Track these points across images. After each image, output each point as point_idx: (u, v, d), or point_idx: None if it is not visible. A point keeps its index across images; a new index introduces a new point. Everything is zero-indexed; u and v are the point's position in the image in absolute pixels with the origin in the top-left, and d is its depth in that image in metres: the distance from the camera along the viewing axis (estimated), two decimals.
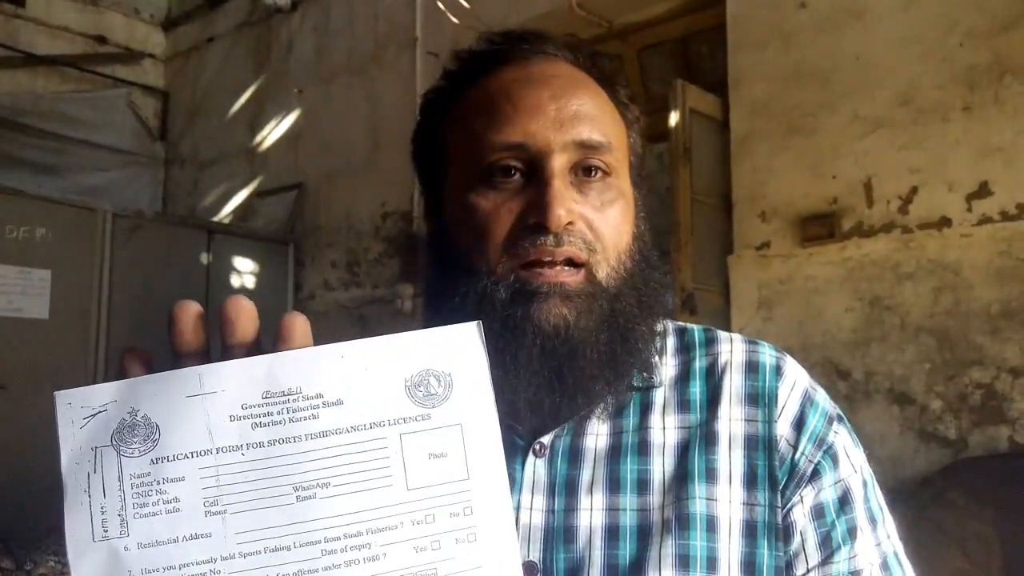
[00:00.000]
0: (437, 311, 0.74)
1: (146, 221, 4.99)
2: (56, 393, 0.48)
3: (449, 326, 0.52)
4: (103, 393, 0.49)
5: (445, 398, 0.50)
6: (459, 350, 0.51)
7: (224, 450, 0.48)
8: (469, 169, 0.72)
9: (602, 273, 0.70)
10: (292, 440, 0.49)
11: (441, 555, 0.48)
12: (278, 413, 0.49)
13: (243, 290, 5.29)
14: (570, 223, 0.68)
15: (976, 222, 3.01)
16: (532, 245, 0.68)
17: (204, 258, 5.13)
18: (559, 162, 0.69)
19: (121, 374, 0.50)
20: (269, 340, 0.52)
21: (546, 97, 0.71)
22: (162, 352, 0.53)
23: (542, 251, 0.68)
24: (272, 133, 5.87)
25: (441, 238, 0.75)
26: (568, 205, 0.68)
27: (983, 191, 3.01)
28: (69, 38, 6.37)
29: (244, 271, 5.34)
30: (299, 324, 0.51)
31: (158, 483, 0.48)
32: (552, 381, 0.68)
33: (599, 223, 0.71)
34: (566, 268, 0.69)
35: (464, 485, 0.49)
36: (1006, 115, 3.00)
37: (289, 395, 0.49)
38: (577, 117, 0.71)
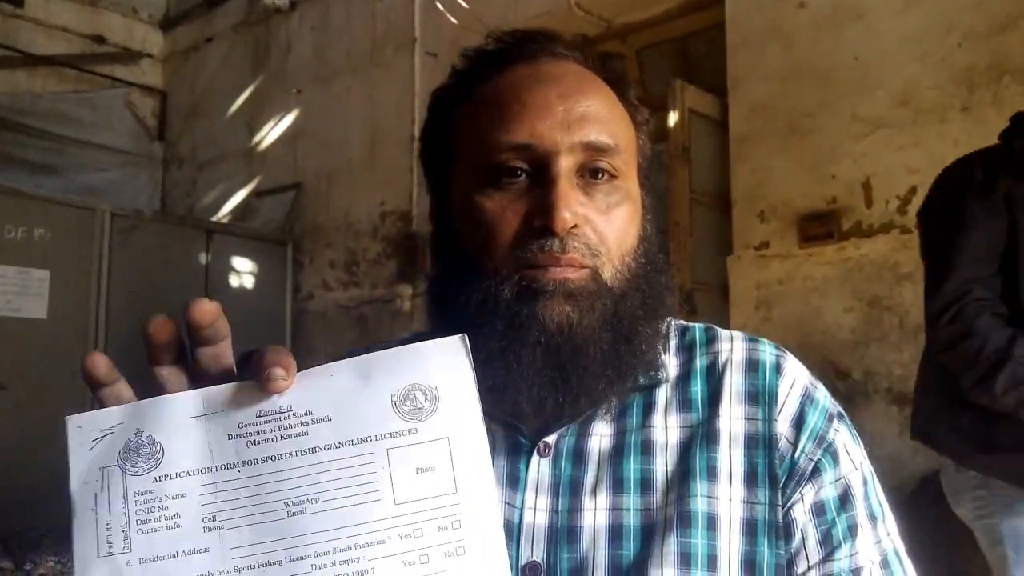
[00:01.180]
0: (442, 311, 0.74)
1: (144, 221, 4.99)
2: (67, 418, 0.50)
3: (434, 340, 0.53)
4: (111, 416, 0.51)
5: (432, 412, 0.51)
6: (445, 364, 0.52)
7: (222, 467, 0.50)
8: (475, 168, 0.72)
9: (607, 274, 0.70)
10: (283, 457, 0.50)
11: (430, 569, 0.49)
12: (271, 431, 0.50)
13: (241, 290, 5.29)
14: (575, 226, 0.68)
15: None
16: (539, 250, 0.68)
17: (203, 258, 5.12)
18: (566, 164, 0.69)
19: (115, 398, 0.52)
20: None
21: (554, 96, 0.71)
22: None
23: (547, 257, 0.68)
24: (270, 133, 5.87)
25: (447, 236, 0.75)
26: (574, 208, 0.68)
27: None
28: (67, 38, 6.36)
29: (242, 271, 5.33)
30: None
31: (160, 500, 0.49)
32: (556, 380, 0.68)
33: (604, 226, 0.70)
34: (570, 267, 0.68)
35: (452, 499, 0.50)
36: (1004, 116, 2.97)
37: (281, 413, 0.50)
38: (585, 118, 0.70)
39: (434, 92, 0.81)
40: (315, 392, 0.51)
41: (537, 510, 0.70)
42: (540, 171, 0.69)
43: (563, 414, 0.71)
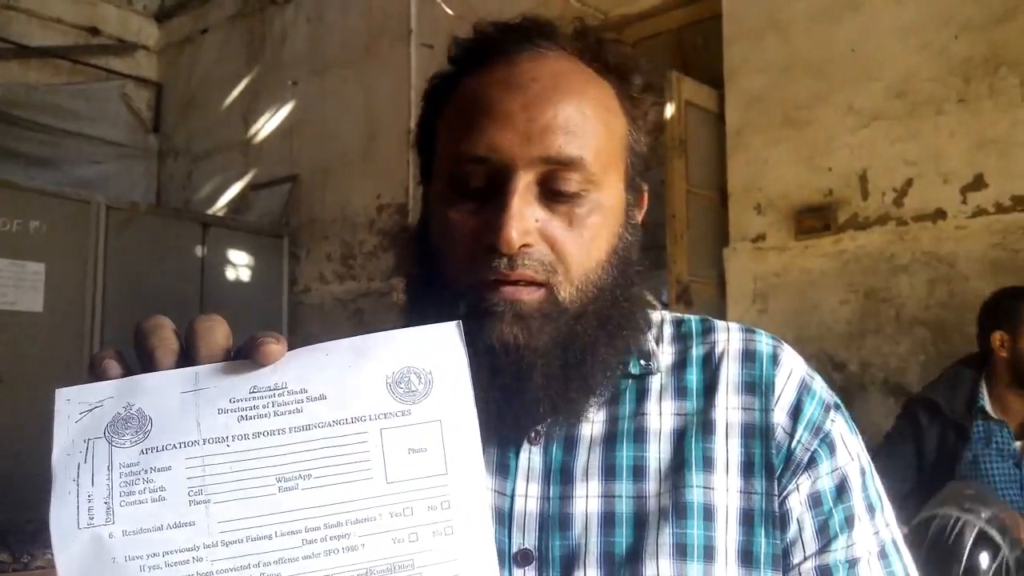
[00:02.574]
0: (414, 308, 0.74)
1: (140, 214, 4.97)
2: (57, 390, 0.50)
3: (430, 325, 0.54)
4: (101, 390, 0.51)
5: (425, 395, 0.52)
6: (439, 348, 0.53)
7: (210, 441, 0.50)
8: (443, 174, 0.72)
9: (564, 293, 0.68)
10: (276, 432, 0.50)
11: (418, 547, 0.50)
12: (264, 407, 0.50)
13: (237, 283, 5.28)
14: (526, 245, 0.66)
15: (971, 214, 3.02)
16: (487, 265, 0.66)
17: (199, 251, 5.11)
18: (522, 180, 0.67)
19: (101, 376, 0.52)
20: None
21: (518, 105, 0.67)
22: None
23: (497, 272, 0.66)
24: (266, 125, 5.85)
25: (423, 233, 0.75)
26: (525, 226, 0.66)
27: (978, 183, 3.02)
28: (62, 30, 6.33)
29: (239, 264, 5.32)
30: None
31: (146, 472, 0.49)
32: (499, 401, 0.67)
33: (565, 242, 0.68)
34: (525, 286, 0.67)
35: (442, 480, 0.51)
36: (1001, 107, 3.00)
37: (275, 390, 0.51)
38: (549, 129, 0.67)
39: (430, 79, 0.79)
40: (310, 370, 0.51)
41: (528, 497, 0.70)
42: (496, 186, 0.67)
43: (519, 426, 0.70)
